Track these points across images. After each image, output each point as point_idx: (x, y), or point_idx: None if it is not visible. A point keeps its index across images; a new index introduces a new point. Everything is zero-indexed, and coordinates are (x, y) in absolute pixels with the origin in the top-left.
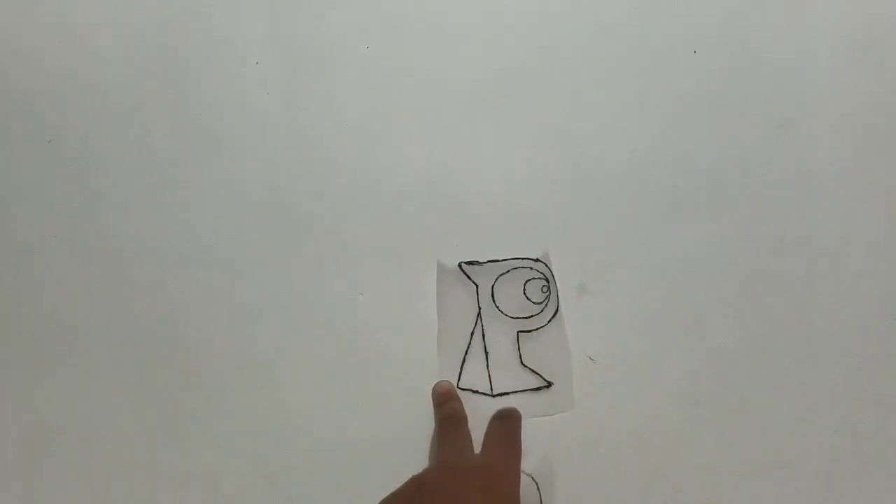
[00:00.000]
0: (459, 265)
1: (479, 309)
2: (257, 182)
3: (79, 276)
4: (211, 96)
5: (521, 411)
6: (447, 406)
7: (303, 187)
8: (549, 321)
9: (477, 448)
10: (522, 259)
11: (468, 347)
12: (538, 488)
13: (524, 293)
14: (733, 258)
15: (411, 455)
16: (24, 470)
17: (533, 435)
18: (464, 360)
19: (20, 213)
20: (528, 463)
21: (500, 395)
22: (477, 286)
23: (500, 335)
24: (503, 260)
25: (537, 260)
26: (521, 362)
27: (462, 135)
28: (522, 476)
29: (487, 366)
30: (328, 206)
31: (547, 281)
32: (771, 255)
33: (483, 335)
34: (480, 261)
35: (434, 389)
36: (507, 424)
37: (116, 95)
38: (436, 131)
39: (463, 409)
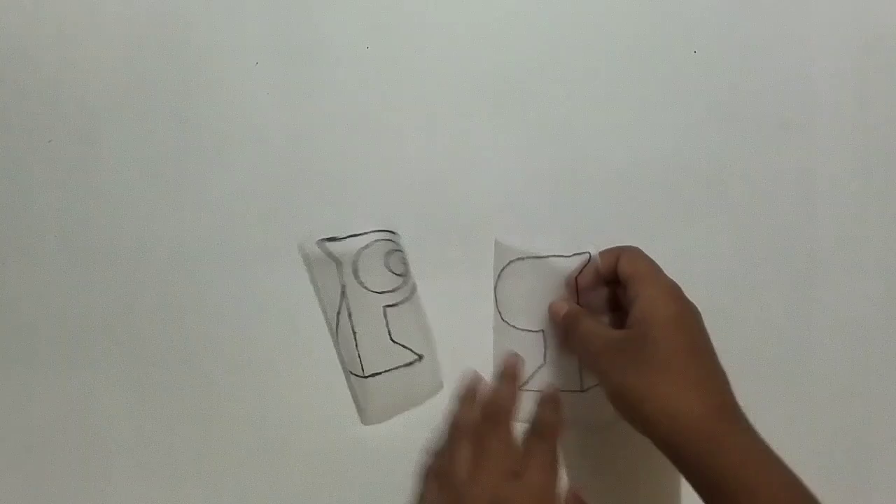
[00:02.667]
0: (318, 243)
1: (343, 287)
2: (257, 182)
3: (79, 276)
4: (211, 96)
5: (393, 393)
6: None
7: (303, 187)
8: (414, 293)
9: None
10: (382, 231)
11: (336, 327)
12: None
13: (387, 266)
14: (733, 258)
15: (411, 455)
16: (25, 470)
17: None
18: (336, 342)
19: (20, 213)
20: None
21: (372, 375)
22: (339, 263)
23: (367, 312)
24: (363, 234)
25: (395, 232)
26: (391, 338)
27: (462, 135)
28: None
29: (357, 346)
30: (328, 206)
31: (403, 254)
32: (771, 255)
33: (349, 314)
34: (339, 236)
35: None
36: (547, 442)
37: (116, 95)
38: (436, 131)
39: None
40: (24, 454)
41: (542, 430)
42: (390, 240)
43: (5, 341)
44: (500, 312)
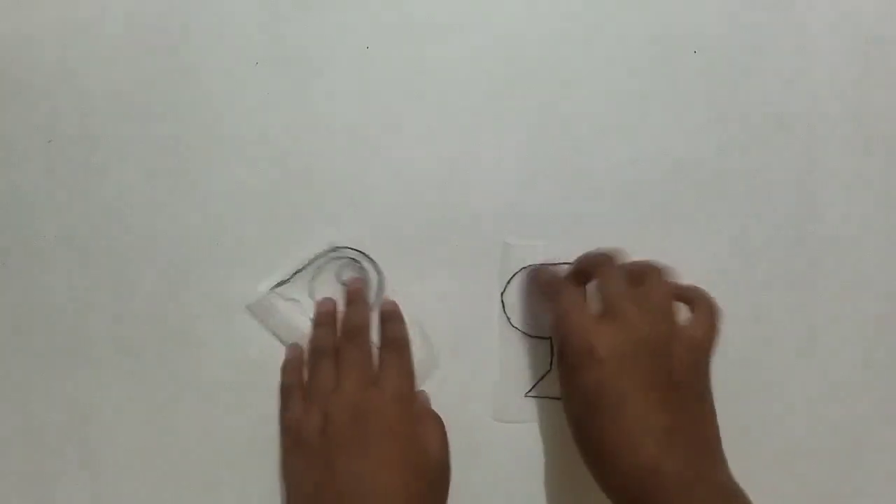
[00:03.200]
0: (270, 291)
1: (311, 321)
2: (257, 182)
3: (79, 276)
4: (211, 96)
5: None
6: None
7: (303, 187)
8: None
9: None
10: (324, 253)
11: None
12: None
13: (339, 279)
14: (733, 258)
15: None
16: (25, 470)
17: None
18: None
19: (20, 213)
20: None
21: None
22: (298, 302)
23: None
24: (305, 267)
25: (334, 249)
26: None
27: (463, 135)
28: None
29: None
30: (328, 206)
31: (358, 261)
32: (771, 255)
33: None
34: (286, 278)
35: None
36: (399, 352)
37: (116, 95)
38: (436, 131)
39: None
40: (25, 454)
41: (392, 343)
42: (336, 257)
43: (5, 341)
44: (508, 317)
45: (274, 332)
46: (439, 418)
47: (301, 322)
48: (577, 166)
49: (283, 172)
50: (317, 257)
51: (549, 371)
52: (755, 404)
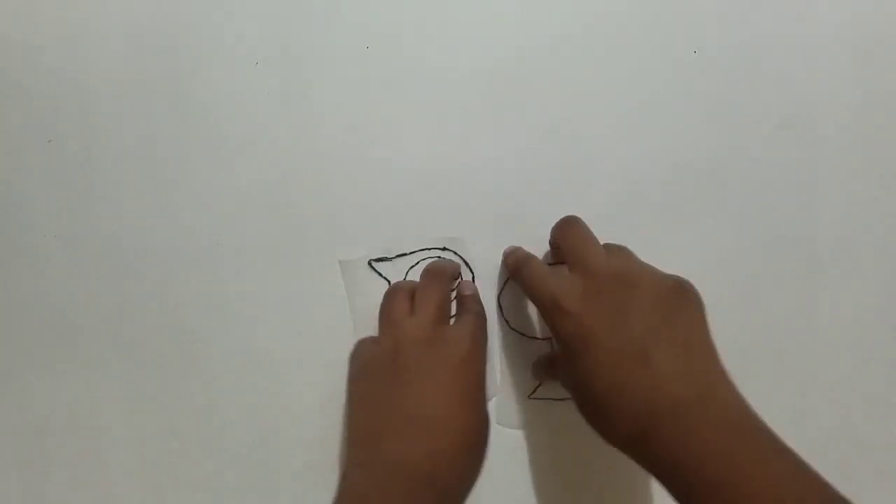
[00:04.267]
0: (369, 262)
1: None
2: (257, 182)
3: (79, 276)
4: (211, 96)
5: None
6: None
7: (303, 187)
8: None
9: None
10: (430, 249)
11: None
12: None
13: None
14: (733, 258)
15: None
16: (25, 470)
17: (535, 438)
18: None
19: (20, 213)
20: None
21: None
22: (389, 282)
23: None
24: (410, 253)
25: (444, 248)
26: None
27: (462, 135)
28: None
29: None
30: (328, 206)
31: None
32: (771, 255)
33: None
34: (389, 256)
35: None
36: (475, 304)
37: (116, 95)
38: (436, 131)
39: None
40: (24, 454)
41: (470, 299)
42: (439, 256)
43: (5, 341)
44: (506, 321)
45: (350, 297)
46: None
47: (379, 301)
48: (577, 166)
49: (282, 172)
50: (424, 249)
51: None
52: (755, 404)
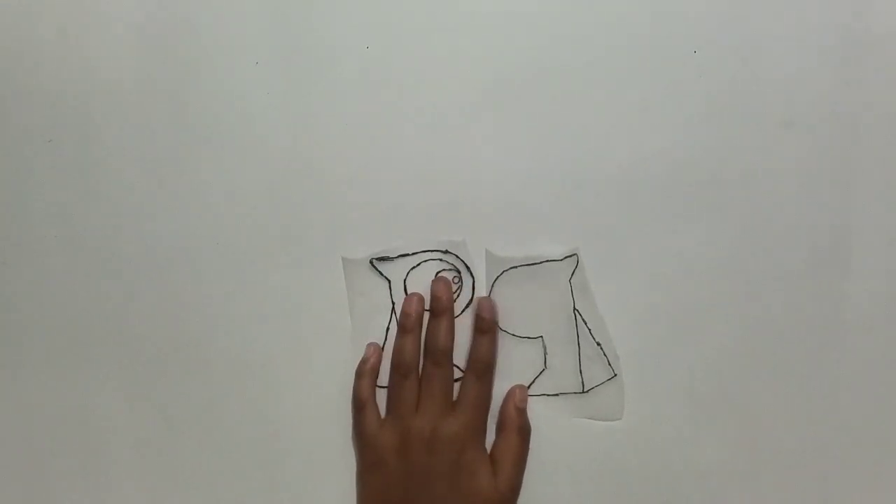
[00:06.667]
0: (370, 261)
1: (393, 304)
2: (257, 182)
3: (79, 276)
4: (211, 96)
5: None
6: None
7: (303, 187)
8: (463, 310)
9: None
10: (432, 251)
11: (384, 345)
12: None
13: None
14: (733, 258)
15: None
16: (24, 470)
17: (533, 433)
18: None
19: (20, 213)
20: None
21: None
22: (389, 282)
23: None
24: (412, 254)
25: (446, 251)
26: None
27: (462, 135)
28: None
29: None
30: (328, 206)
31: (458, 272)
32: (771, 255)
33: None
34: (391, 255)
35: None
36: (481, 380)
37: (116, 95)
38: (436, 131)
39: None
40: (25, 454)
41: (476, 367)
42: (441, 259)
43: (5, 341)
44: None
45: (350, 296)
46: (518, 458)
47: (381, 300)
48: (577, 166)
49: (282, 172)
50: (426, 251)
51: (543, 370)
52: (755, 404)
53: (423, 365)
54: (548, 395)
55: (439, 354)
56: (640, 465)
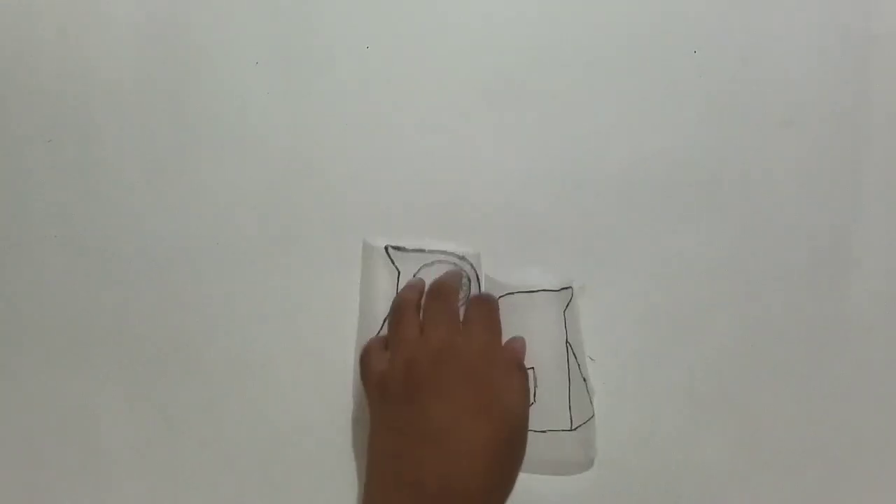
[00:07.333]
0: (386, 248)
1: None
2: (257, 182)
3: (79, 276)
4: (211, 96)
5: None
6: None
7: (302, 187)
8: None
9: None
10: (448, 254)
11: (379, 331)
12: (535, 376)
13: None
14: (733, 258)
15: None
16: (25, 470)
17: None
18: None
19: (20, 213)
20: None
21: None
22: (399, 273)
23: None
24: (429, 251)
25: (462, 258)
26: None
27: (462, 135)
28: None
29: None
30: (328, 206)
31: (468, 280)
32: (771, 255)
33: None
34: (407, 247)
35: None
36: (488, 306)
37: (116, 95)
38: (436, 131)
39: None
40: (25, 454)
41: (479, 299)
42: (454, 264)
43: (5, 341)
44: None
45: (363, 281)
46: (524, 372)
47: (388, 288)
48: (577, 166)
49: (282, 172)
50: (443, 252)
51: (532, 403)
52: (755, 404)
53: (426, 301)
54: (535, 431)
55: (443, 288)
56: (640, 465)
